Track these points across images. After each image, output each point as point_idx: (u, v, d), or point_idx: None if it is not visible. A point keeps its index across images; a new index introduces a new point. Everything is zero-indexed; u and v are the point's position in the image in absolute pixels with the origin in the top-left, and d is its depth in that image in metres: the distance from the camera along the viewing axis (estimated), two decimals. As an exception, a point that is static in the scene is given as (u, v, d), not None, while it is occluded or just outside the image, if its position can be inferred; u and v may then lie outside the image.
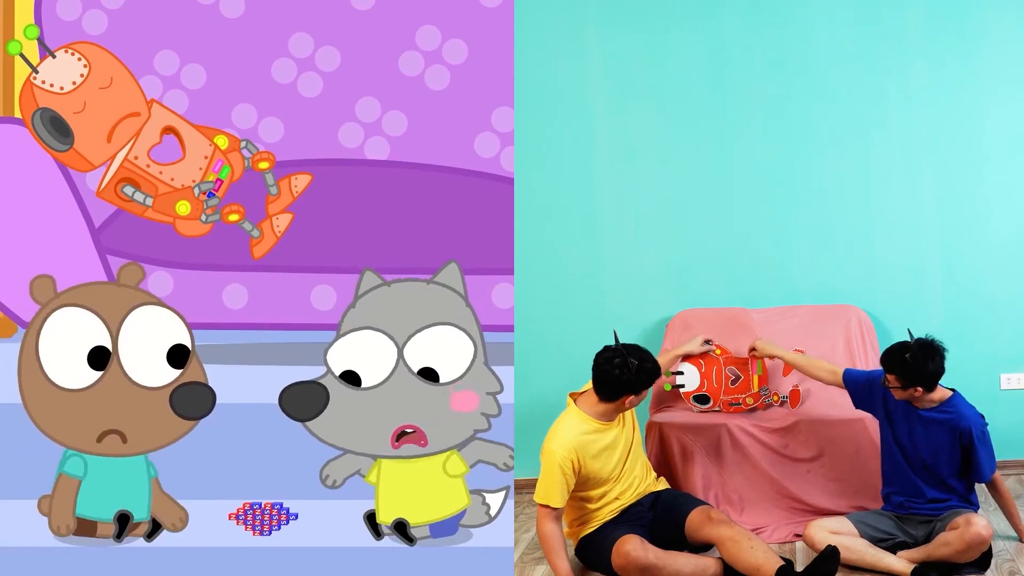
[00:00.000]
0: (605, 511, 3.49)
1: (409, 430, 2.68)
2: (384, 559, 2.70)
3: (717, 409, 4.05)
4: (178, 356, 2.69)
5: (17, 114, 2.97)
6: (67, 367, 2.65)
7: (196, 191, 2.97)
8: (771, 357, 4.03)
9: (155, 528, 2.72)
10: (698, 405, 4.07)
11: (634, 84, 4.52)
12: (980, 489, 3.60)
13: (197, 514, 2.74)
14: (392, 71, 3.24)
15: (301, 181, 3.10)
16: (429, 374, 2.69)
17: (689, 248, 4.55)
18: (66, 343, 2.65)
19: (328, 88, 3.24)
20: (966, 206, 4.44)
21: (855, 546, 3.41)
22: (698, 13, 4.47)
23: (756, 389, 4.06)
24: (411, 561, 2.70)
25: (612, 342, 3.44)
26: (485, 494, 2.79)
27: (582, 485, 3.43)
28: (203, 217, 3.00)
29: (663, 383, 4.07)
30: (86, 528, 2.70)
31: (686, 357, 4.09)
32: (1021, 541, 3.59)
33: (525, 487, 4.19)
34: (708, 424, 3.96)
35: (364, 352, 2.67)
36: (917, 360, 3.37)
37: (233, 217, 3.00)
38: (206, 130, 3.00)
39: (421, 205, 3.19)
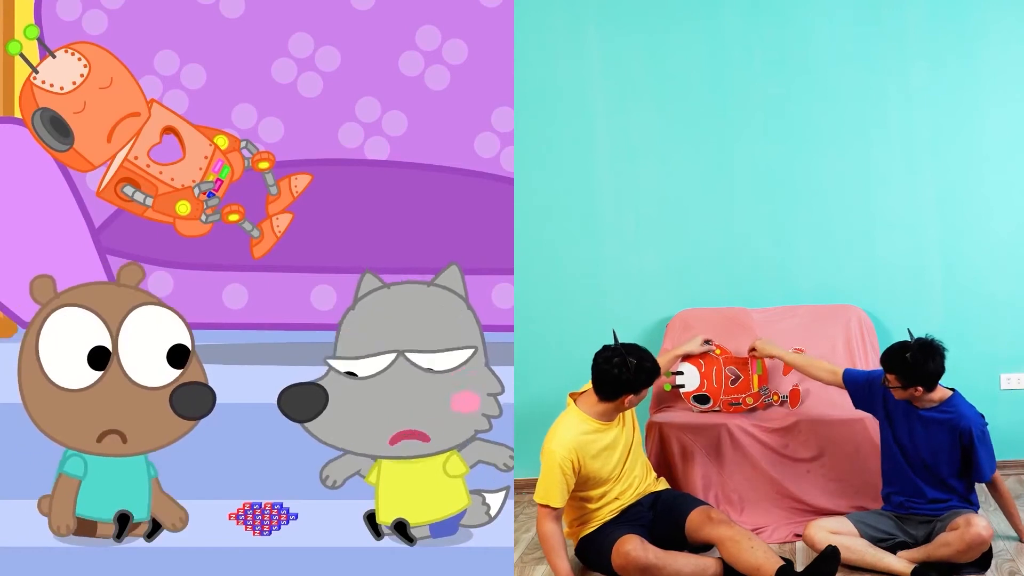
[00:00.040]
0: (605, 511, 3.49)
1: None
2: (384, 559, 2.70)
3: (717, 409, 4.05)
4: (178, 356, 2.69)
5: (17, 114, 2.97)
6: (67, 367, 2.65)
7: (196, 191, 2.97)
8: (771, 357, 4.03)
9: (155, 528, 2.72)
10: (698, 405, 4.07)
11: (634, 84, 4.52)
12: (980, 489, 3.60)
13: (197, 514, 2.74)
14: (392, 71, 3.24)
15: (301, 181, 3.10)
16: (429, 375, 2.68)
17: (689, 248, 4.55)
18: (66, 343, 2.65)
19: (328, 88, 3.24)
20: (966, 206, 4.44)
21: (855, 546, 3.41)
22: (698, 13, 4.47)
23: (756, 389, 4.06)
24: (411, 561, 2.69)
25: (612, 342, 3.44)
26: (485, 494, 2.79)
27: (582, 485, 3.43)
28: (203, 217, 3.00)
29: (663, 383, 4.07)
30: (86, 528, 2.69)
31: (686, 357, 4.09)
32: (1021, 541, 3.59)
33: (525, 487, 4.19)
34: (708, 424, 3.96)
35: (363, 354, 2.67)
36: (917, 360, 3.37)
37: (233, 217, 3.00)
38: (206, 130, 3.00)
39: (421, 205, 3.19)
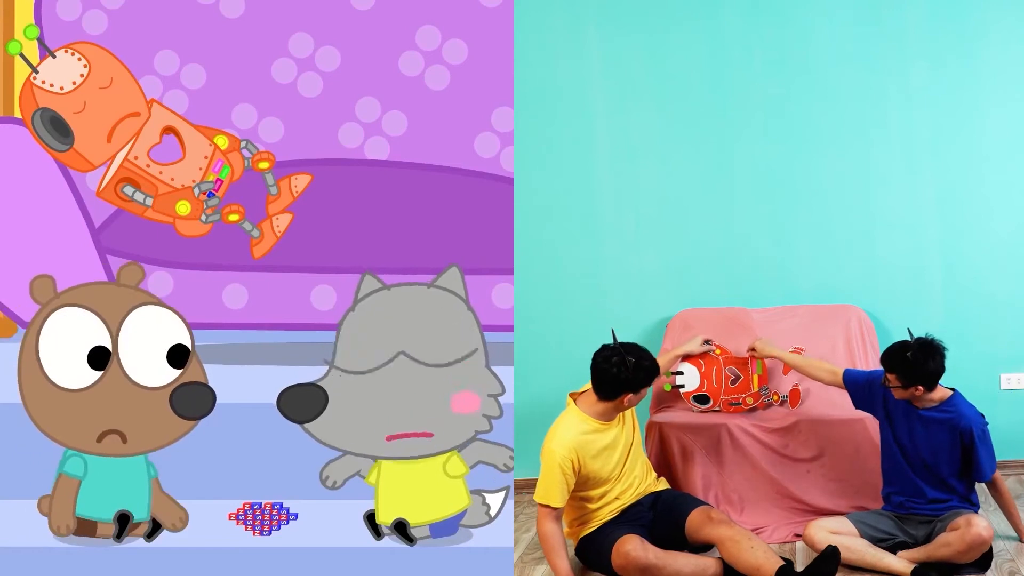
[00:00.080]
0: (605, 511, 3.49)
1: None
2: (384, 559, 2.70)
3: (717, 409, 4.05)
4: (178, 356, 2.69)
5: (17, 114, 2.97)
6: (67, 367, 2.65)
7: (196, 191, 2.97)
8: (770, 358, 4.03)
9: (155, 528, 2.72)
10: (698, 405, 4.07)
11: (634, 84, 4.52)
12: (980, 489, 3.60)
13: (197, 514, 2.73)
14: (392, 71, 3.24)
15: (301, 181, 3.10)
16: (429, 376, 2.68)
17: (689, 248, 4.55)
18: (66, 343, 2.65)
19: (328, 88, 3.24)
20: (966, 206, 4.44)
21: (855, 546, 3.41)
22: (698, 13, 4.47)
23: (756, 389, 4.06)
24: (411, 561, 2.69)
25: (611, 342, 3.44)
26: (485, 494, 2.79)
27: (582, 485, 3.43)
28: (203, 217, 3.00)
29: (663, 383, 4.07)
30: (86, 528, 2.69)
31: (686, 357, 4.09)
32: (1021, 541, 3.59)
33: (525, 487, 4.19)
34: (708, 424, 3.96)
35: (363, 354, 2.67)
36: (918, 359, 3.37)
37: (233, 217, 3.00)
38: (206, 130, 3.00)
39: (421, 205, 3.19)
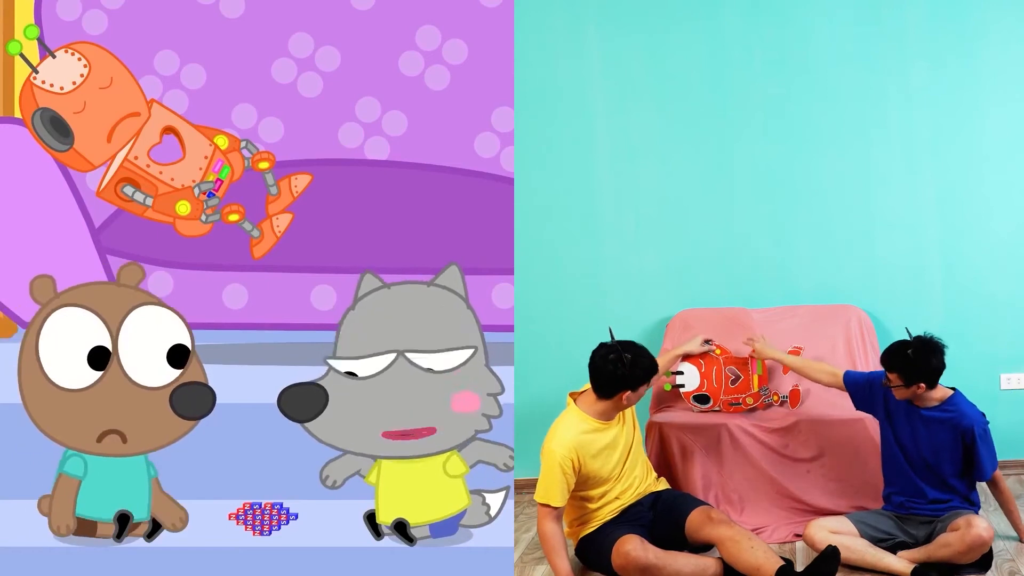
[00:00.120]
0: (605, 511, 3.49)
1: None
2: (384, 559, 2.70)
3: (717, 409, 4.05)
4: (178, 356, 2.69)
5: (17, 114, 2.97)
6: (67, 367, 2.65)
7: (196, 191, 2.97)
8: (770, 359, 4.02)
9: (155, 528, 2.72)
10: (698, 405, 4.07)
11: (634, 84, 4.52)
12: (981, 489, 3.60)
13: (197, 514, 2.73)
14: (392, 71, 3.24)
15: (301, 181, 3.10)
16: (429, 375, 2.68)
17: (689, 248, 4.55)
18: (66, 343, 2.65)
19: (328, 88, 3.24)
20: (966, 206, 4.45)
21: (855, 546, 3.41)
22: (698, 13, 4.47)
23: (756, 389, 4.06)
24: (411, 561, 2.69)
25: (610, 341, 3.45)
26: (485, 494, 2.79)
27: (582, 484, 3.43)
28: (203, 217, 3.00)
29: (663, 383, 4.08)
30: (86, 528, 2.69)
31: (686, 357, 4.09)
32: (1021, 541, 3.59)
33: (525, 487, 4.19)
34: (708, 424, 3.96)
35: (364, 353, 2.66)
36: (919, 357, 3.38)
37: (233, 217, 3.00)
38: (206, 130, 3.00)
39: (421, 205, 3.19)
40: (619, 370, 3.34)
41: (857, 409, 3.68)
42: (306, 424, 2.65)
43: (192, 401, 2.66)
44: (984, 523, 3.31)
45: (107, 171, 2.96)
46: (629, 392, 3.38)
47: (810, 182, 4.50)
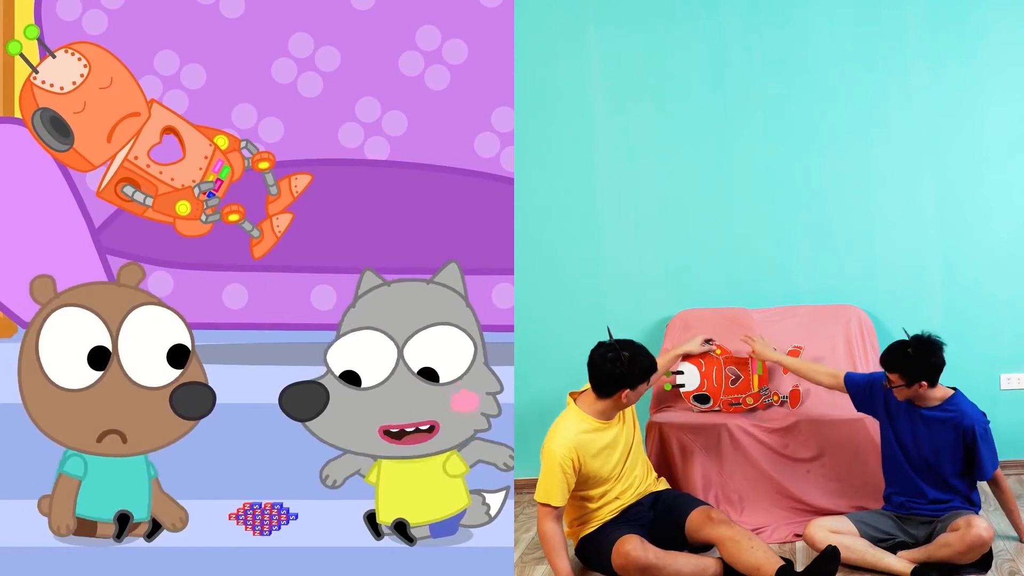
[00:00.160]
0: (605, 511, 3.49)
1: (410, 429, 2.69)
2: (384, 559, 2.70)
3: (717, 409, 4.05)
4: (178, 356, 2.69)
5: (17, 114, 2.97)
6: (67, 367, 2.65)
7: (196, 191, 2.97)
8: (769, 361, 4.02)
9: (155, 528, 2.72)
10: (698, 405, 4.07)
11: (634, 84, 4.52)
12: (981, 489, 3.60)
13: (197, 514, 2.73)
14: (392, 71, 3.24)
15: (301, 181, 3.10)
16: (429, 374, 2.69)
17: (689, 248, 4.55)
18: (66, 343, 2.65)
19: (328, 88, 3.24)
20: (966, 206, 4.45)
21: (855, 545, 3.41)
22: (698, 13, 4.47)
23: (756, 389, 4.06)
24: (411, 561, 2.69)
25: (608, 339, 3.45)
26: (485, 494, 2.79)
27: (583, 484, 3.43)
28: (203, 217, 3.00)
29: (663, 383, 4.08)
30: (86, 528, 2.69)
31: (686, 357, 4.09)
32: (1021, 541, 3.59)
33: (525, 487, 4.19)
34: (708, 424, 3.96)
35: (364, 352, 2.67)
36: (920, 355, 3.38)
37: (233, 217, 3.00)
38: (206, 130, 3.00)
39: (421, 205, 3.19)
40: (617, 369, 3.34)
41: (858, 410, 3.68)
42: (306, 423, 2.65)
43: (192, 401, 2.66)
44: (984, 523, 3.31)
45: (107, 171, 2.96)
46: (628, 390, 3.37)
47: (810, 182, 4.50)
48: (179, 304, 2.73)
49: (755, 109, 4.49)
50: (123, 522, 2.69)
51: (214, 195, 2.98)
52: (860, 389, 3.62)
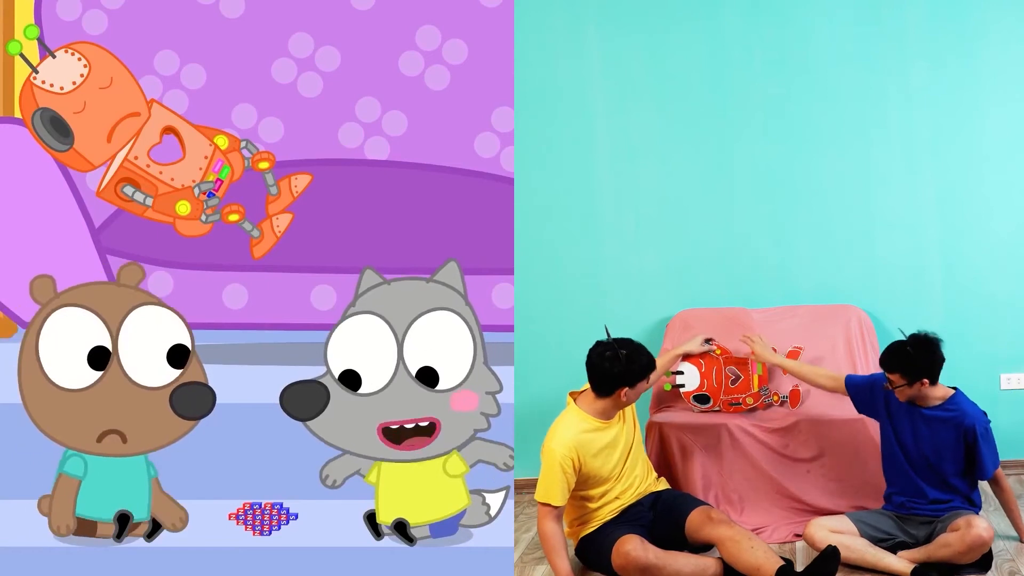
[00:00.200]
0: (605, 511, 3.49)
1: (409, 426, 2.69)
2: (384, 559, 2.70)
3: (717, 409, 4.05)
4: (178, 356, 2.69)
5: (17, 114, 2.97)
6: (67, 367, 2.65)
7: (196, 191, 2.97)
8: (769, 364, 4.02)
9: (155, 528, 2.72)
10: (698, 405, 4.07)
11: (634, 84, 4.52)
12: (982, 489, 3.60)
13: (197, 514, 2.74)
14: (392, 71, 3.24)
15: (301, 181, 3.10)
16: (429, 375, 2.68)
17: (689, 248, 4.55)
18: (66, 343, 2.65)
19: (328, 88, 3.24)
20: (966, 206, 4.44)
21: (855, 545, 3.41)
22: (698, 13, 4.47)
23: (756, 389, 4.06)
24: (411, 561, 2.69)
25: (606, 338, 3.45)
26: (485, 494, 2.79)
27: (583, 484, 3.43)
28: (203, 217, 3.00)
29: (663, 383, 4.07)
30: (86, 528, 2.69)
31: (686, 357, 4.09)
32: (1022, 540, 3.59)
33: (525, 487, 4.19)
34: (708, 424, 3.96)
35: (364, 346, 2.66)
36: (920, 353, 3.39)
37: (233, 217, 3.00)
38: (206, 130, 3.00)
39: (421, 205, 3.19)
40: (615, 367, 3.34)
41: (859, 412, 3.68)
42: (307, 423, 2.65)
43: (192, 401, 2.66)
44: (984, 523, 3.31)
45: (107, 171, 2.96)
46: (627, 389, 3.37)
47: (810, 182, 4.50)
48: (179, 304, 2.73)
49: (755, 109, 4.49)
50: (123, 522, 2.69)
51: (214, 195, 2.98)
52: (861, 391, 3.62)
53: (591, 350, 3.42)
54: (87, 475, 2.68)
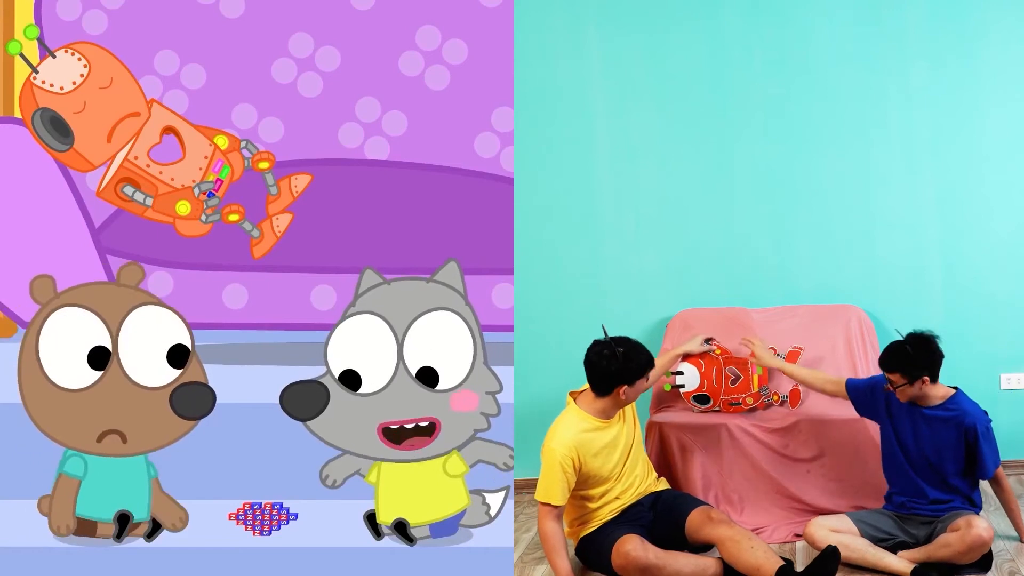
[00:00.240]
0: (605, 511, 3.49)
1: (409, 426, 2.69)
2: (384, 559, 2.70)
3: (717, 409, 4.05)
4: (178, 356, 2.69)
5: (17, 114, 2.97)
6: (67, 367, 2.65)
7: (196, 191, 2.97)
8: (771, 367, 4.02)
9: (155, 528, 2.72)
10: (698, 405, 4.07)
11: (634, 84, 4.52)
12: (982, 489, 3.59)
13: (197, 514, 2.74)
14: (392, 71, 3.24)
15: (301, 181, 3.10)
16: (429, 375, 2.68)
17: (689, 248, 4.55)
18: (66, 343, 2.65)
19: (328, 88, 3.24)
20: (966, 206, 4.45)
21: (855, 545, 3.41)
22: (698, 13, 4.47)
23: (756, 389, 4.06)
24: (411, 561, 2.69)
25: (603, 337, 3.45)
26: (485, 494, 2.79)
27: (583, 483, 3.43)
28: (203, 217, 3.00)
29: (663, 383, 4.07)
30: (86, 528, 2.69)
31: (686, 357, 4.09)
32: (1022, 540, 3.59)
33: (525, 487, 4.19)
34: (708, 424, 3.96)
35: (364, 346, 2.66)
36: (919, 351, 3.39)
37: (233, 217, 3.00)
38: (206, 130, 3.00)
39: (421, 205, 3.19)
40: (613, 365, 3.34)
41: (860, 415, 3.68)
42: (307, 423, 2.65)
43: (192, 401, 2.66)
44: (984, 523, 3.31)
45: (107, 171, 2.96)
46: (626, 387, 3.37)
47: (810, 182, 4.50)
48: (179, 304, 2.73)
49: (755, 109, 4.49)
50: (123, 522, 2.69)
51: (214, 195, 2.98)
52: (861, 394, 3.63)
53: (589, 349, 3.42)
54: (87, 475, 2.68)
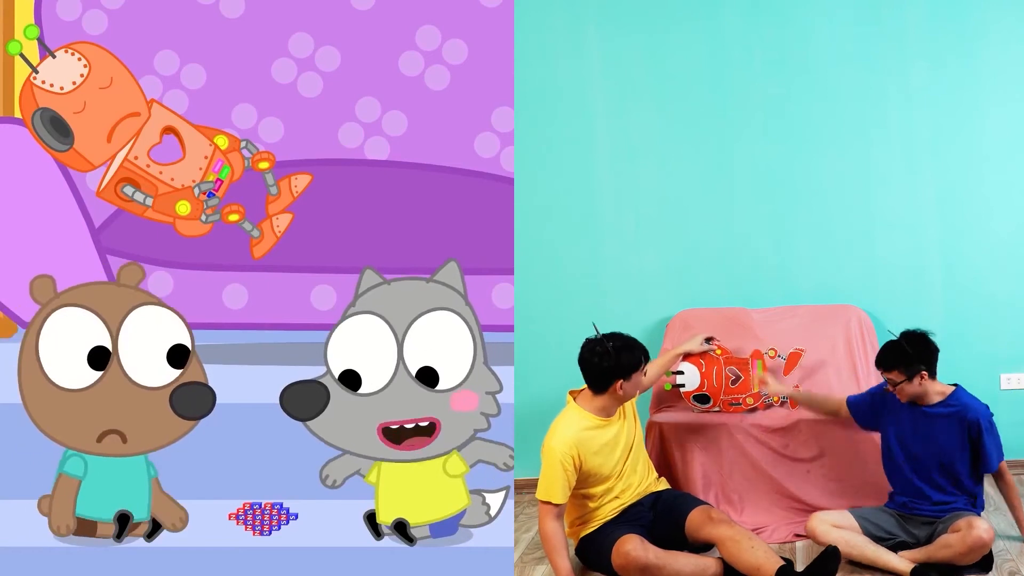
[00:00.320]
0: (606, 510, 3.49)
1: (409, 426, 2.69)
2: (384, 559, 2.70)
3: (717, 409, 4.05)
4: (178, 356, 2.69)
5: (17, 114, 2.97)
6: (67, 367, 2.65)
7: (196, 191, 2.97)
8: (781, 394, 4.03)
9: (155, 528, 2.72)
10: (698, 405, 4.07)
11: (634, 84, 4.52)
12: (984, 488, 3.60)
13: (197, 514, 2.74)
14: (392, 71, 3.24)
15: (301, 181, 3.10)
16: (429, 375, 2.68)
17: (689, 248, 4.55)
18: (66, 343, 2.65)
19: (328, 88, 3.24)
20: (966, 206, 4.45)
21: (856, 541, 3.41)
22: (698, 13, 4.48)
23: (756, 389, 4.06)
24: (411, 561, 2.69)
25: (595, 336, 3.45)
26: (485, 494, 2.79)
27: (584, 482, 3.43)
28: (203, 217, 3.00)
29: (663, 383, 4.07)
30: (86, 528, 2.69)
31: (686, 356, 4.09)
32: (1022, 533, 3.59)
33: (525, 487, 4.19)
34: (708, 424, 3.96)
35: (364, 346, 2.66)
36: (915, 346, 3.39)
37: (233, 217, 3.00)
38: (206, 130, 3.00)
39: (421, 205, 3.19)
40: (605, 361, 3.35)
41: (863, 429, 3.68)
42: (307, 423, 2.65)
43: (192, 401, 2.66)
44: (985, 524, 3.31)
45: (107, 171, 2.96)
46: (622, 381, 3.37)
47: (810, 182, 4.50)
48: (179, 304, 2.73)
49: (755, 109, 4.49)
50: (123, 522, 2.69)
51: (214, 195, 2.98)
52: (861, 407, 3.65)
53: (581, 348, 3.43)
54: (87, 475, 2.68)
